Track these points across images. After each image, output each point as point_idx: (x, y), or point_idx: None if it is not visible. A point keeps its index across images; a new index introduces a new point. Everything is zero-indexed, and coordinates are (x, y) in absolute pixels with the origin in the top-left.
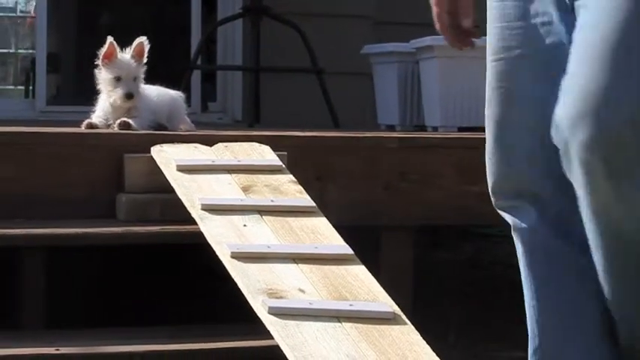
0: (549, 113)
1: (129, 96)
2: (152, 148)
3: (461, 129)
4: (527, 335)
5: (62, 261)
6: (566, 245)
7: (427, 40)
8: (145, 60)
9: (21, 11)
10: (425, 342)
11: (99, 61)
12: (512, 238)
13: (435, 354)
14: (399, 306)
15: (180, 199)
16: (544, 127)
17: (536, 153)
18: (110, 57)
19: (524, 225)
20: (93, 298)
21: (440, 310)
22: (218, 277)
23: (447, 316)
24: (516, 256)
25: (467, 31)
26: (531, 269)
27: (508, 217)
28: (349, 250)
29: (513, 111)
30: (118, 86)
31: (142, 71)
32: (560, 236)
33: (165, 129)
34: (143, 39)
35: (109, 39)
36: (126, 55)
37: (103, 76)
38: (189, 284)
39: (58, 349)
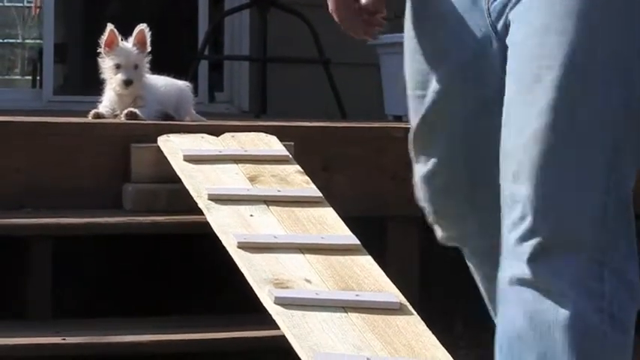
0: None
1: (127, 82)
2: (159, 138)
3: None
4: None
5: (69, 251)
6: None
7: None
8: (148, 48)
9: (28, 1)
10: (431, 332)
11: (101, 50)
12: None
13: (440, 344)
14: (405, 296)
15: (186, 189)
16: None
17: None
18: (111, 45)
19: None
20: (99, 288)
21: (446, 301)
22: (224, 267)
23: (453, 307)
24: None
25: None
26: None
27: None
28: (356, 241)
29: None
30: (118, 73)
31: (144, 59)
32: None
33: (173, 119)
34: (143, 26)
35: (109, 26)
36: (127, 43)
37: (105, 64)
38: (196, 274)
39: (64, 339)
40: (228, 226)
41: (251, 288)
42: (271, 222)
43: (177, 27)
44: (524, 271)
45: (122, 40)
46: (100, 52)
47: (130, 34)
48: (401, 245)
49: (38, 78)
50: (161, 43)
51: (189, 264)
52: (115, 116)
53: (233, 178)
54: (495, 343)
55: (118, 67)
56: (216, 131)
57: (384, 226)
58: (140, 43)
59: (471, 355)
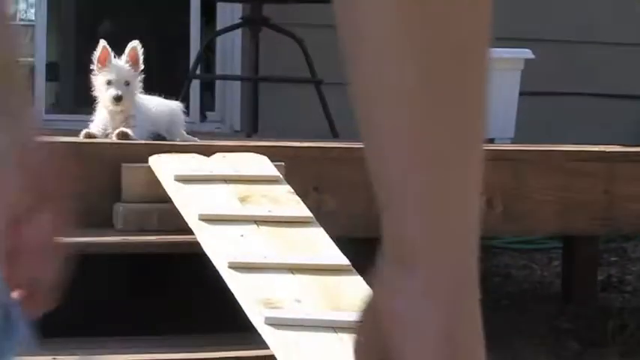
0: None
1: (117, 98)
2: (150, 158)
3: None
4: (525, 346)
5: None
6: None
7: None
8: (140, 66)
9: (21, 19)
10: None
11: (94, 66)
12: (511, 249)
13: None
14: None
15: (177, 209)
16: None
17: None
18: (104, 61)
19: None
20: (89, 308)
21: None
22: (214, 287)
23: None
24: (514, 268)
25: None
26: None
27: None
28: (346, 261)
29: None
30: (109, 89)
31: (136, 77)
32: None
33: (164, 140)
34: (135, 43)
35: (102, 42)
36: (120, 60)
37: (97, 81)
38: (186, 294)
39: (55, 358)
40: (219, 246)
41: (241, 307)
42: (262, 242)
43: (169, 46)
44: None
45: (115, 56)
46: (92, 69)
47: (122, 53)
48: None
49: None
50: (153, 62)
51: (179, 284)
52: (107, 136)
53: (224, 199)
54: None
55: (109, 83)
56: (207, 151)
57: (374, 247)
58: (132, 61)
59: None
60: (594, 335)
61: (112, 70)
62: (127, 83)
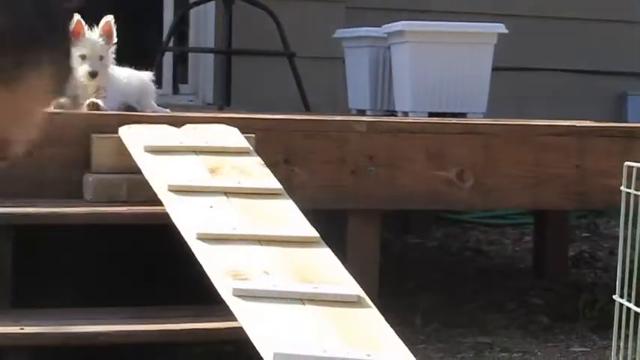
0: None
1: (92, 74)
2: (120, 129)
3: (431, 114)
4: (495, 321)
5: (29, 240)
6: None
7: (398, 25)
8: (114, 40)
9: None
10: (389, 325)
11: None
12: (482, 224)
13: (398, 337)
14: (364, 289)
15: (147, 180)
16: None
17: None
18: (77, 35)
19: None
20: (60, 278)
21: (407, 295)
22: (184, 258)
23: (414, 301)
24: (485, 243)
25: None
26: None
27: None
28: (315, 233)
29: None
30: (83, 64)
31: (109, 51)
32: None
33: (135, 111)
34: (109, 18)
35: (76, 17)
36: (93, 34)
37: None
38: (155, 265)
39: (22, 328)
40: (188, 217)
41: (209, 280)
42: (231, 213)
43: (143, 18)
44: None
45: (88, 30)
46: None
47: (95, 24)
48: (361, 238)
49: None
50: (126, 35)
51: (149, 255)
52: (78, 106)
53: (193, 169)
54: None
55: (83, 57)
56: (177, 122)
57: (344, 219)
58: (106, 35)
59: (429, 349)
60: (565, 310)
61: (86, 44)
62: (101, 57)
